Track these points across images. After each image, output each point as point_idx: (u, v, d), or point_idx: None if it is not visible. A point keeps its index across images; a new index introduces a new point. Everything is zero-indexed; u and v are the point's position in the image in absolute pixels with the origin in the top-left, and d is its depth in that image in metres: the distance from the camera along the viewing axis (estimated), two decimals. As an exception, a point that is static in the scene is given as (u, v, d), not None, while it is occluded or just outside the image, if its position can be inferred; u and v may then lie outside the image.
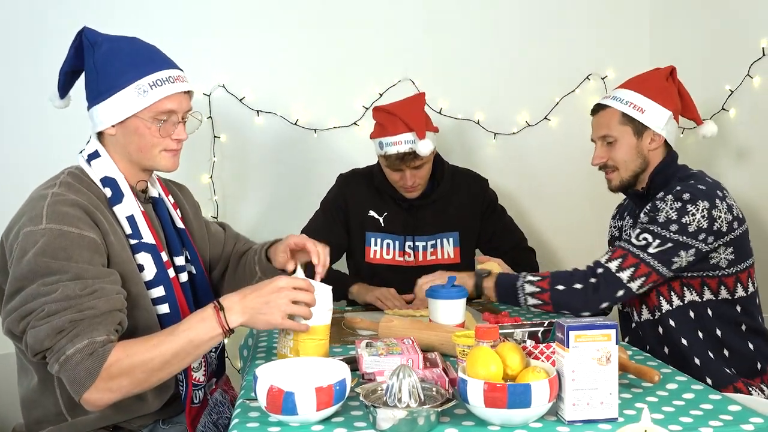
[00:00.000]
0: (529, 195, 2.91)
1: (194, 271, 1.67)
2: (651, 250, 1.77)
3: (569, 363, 1.24)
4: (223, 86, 2.69)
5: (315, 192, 2.50)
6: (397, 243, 2.33)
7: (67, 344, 1.29)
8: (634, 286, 1.78)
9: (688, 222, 1.76)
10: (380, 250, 2.34)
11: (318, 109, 2.76)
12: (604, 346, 1.24)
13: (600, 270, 1.80)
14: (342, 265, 2.47)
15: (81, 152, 1.56)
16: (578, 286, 1.80)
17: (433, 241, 2.34)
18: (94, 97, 1.51)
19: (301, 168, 2.78)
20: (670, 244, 1.77)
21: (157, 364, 1.32)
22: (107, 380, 1.29)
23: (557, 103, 2.87)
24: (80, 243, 1.37)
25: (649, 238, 1.78)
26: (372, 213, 2.35)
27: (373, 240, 2.34)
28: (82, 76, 1.58)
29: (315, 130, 2.76)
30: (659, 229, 1.79)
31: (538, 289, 1.83)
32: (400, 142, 2.16)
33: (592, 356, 1.24)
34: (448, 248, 2.34)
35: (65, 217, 1.38)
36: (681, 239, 1.76)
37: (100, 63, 1.49)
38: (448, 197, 2.35)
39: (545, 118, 2.87)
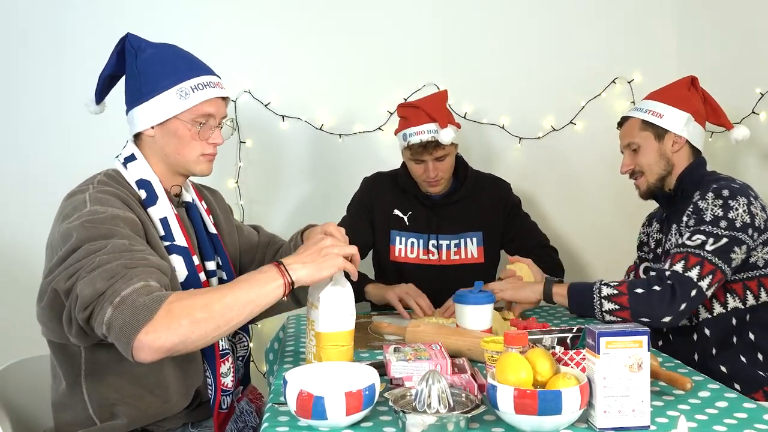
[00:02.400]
0: (555, 199, 2.89)
1: (225, 278, 1.66)
2: (708, 247, 1.77)
3: (600, 370, 1.22)
4: (249, 92, 2.71)
5: (340, 197, 2.51)
6: (421, 241, 2.36)
7: (122, 285, 1.25)
8: (703, 284, 1.76)
9: (734, 217, 1.79)
10: (405, 248, 2.37)
11: (343, 114, 2.77)
12: (635, 352, 1.23)
13: (668, 273, 1.78)
14: (367, 265, 2.48)
15: (117, 156, 1.58)
16: (657, 288, 1.76)
17: (457, 240, 2.37)
18: (135, 100, 1.54)
19: (326, 173, 2.79)
20: (725, 240, 1.78)
21: (217, 308, 1.28)
22: (166, 318, 1.24)
23: (583, 107, 2.85)
24: (124, 219, 1.39)
25: (703, 237, 1.79)
26: (397, 212, 2.39)
27: (398, 239, 2.38)
28: (120, 82, 1.61)
29: (340, 135, 2.77)
30: (710, 227, 1.80)
31: (615, 292, 1.80)
32: (423, 132, 2.22)
33: (623, 363, 1.23)
34: (471, 248, 2.36)
35: (108, 201, 1.41)
36: (733, 234, 1.78)
37: (142, 67, 1.53)
38: (471, 198, 2.38)
39: (571, 122, 2.85)
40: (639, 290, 1.77)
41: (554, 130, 2.85)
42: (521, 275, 2.06)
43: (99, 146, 2.39)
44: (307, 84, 2.75)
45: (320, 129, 2.75)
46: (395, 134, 2.36)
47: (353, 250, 1.47)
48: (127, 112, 1.57)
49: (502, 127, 2.83)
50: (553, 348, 1.47)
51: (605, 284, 1.82)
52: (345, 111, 2.77)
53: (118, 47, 1.57)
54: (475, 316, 1.72)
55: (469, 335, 1.66)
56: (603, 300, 1.80)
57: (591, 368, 1.25)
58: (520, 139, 2.84)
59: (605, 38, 2.86)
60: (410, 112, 2.29)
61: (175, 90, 1.51)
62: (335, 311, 1.47)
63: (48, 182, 2.56)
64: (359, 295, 2.21)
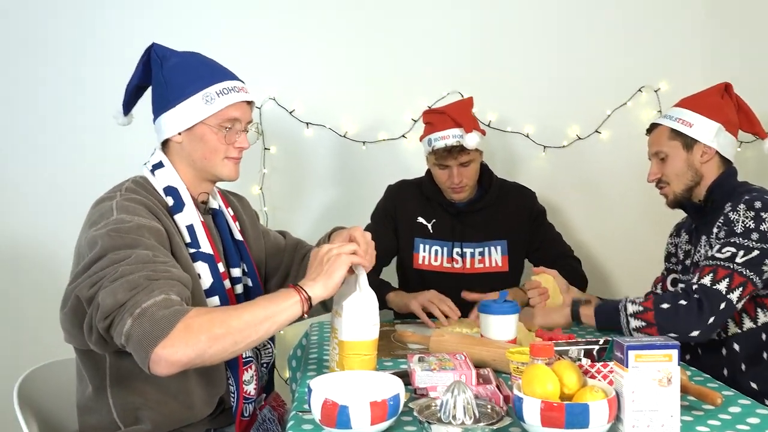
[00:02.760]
0: (579, 209, 2.87)
1: (250, 284, 1.67)
2: (738, 260, 1.74)
3: (629, 383, 1.21)
4: (274, 99, 2.72)
5: (364, 204, 2.51)
6: (445, 249, 2.35)
7: (143, 297, 1.25)
8: (733, 297, 1.72)
9: (766, 229, 1.75)
10: (428, 256, 2.36)
11: (367, 122, 2.77)
12: (665, 366, 1.21)
13: (695, 287, 1.76)
14: (391, 273, 2.48)
15: (145, 163, 1.59)
16: (683, 302, 1.74)
17: (481, 249, 2.36)
18: (162, 107, 1.56)
19: (350, 180, 2.79)
20: (756, 252, 1.74)
21: (235, 324, 1.28)
22: (185, 332, 1.23)
23: (609, 116, 2.82)
24: (150, 228, 1.40)
25: (733, 249, 1.76)
26: (420, 219, 2.39)
27: (421, 246, 2.37)
28: (147, 93, 1.63)
29: (364, 142, 2.77)
30: (741, 239, 1.77)
31: (641, 309, 1.78)
32: (448, 137, 2.23)
33: (652, 377, 1.21)
34: (495, 256, 2.35)
35: (135, 210, 1.42)
36: (765, 247, 1.75)
37: (167, 75, 1.55)
38: (496, 206, 2.37)
39: (596, 131, 2.82)
40: (665, 305, 1.75)
41: (579, 138, 2.83)
42: (546, 286, 2.04)
43: (126, 152, 2.40)
44: (331, 91, 2.75)
45: (344, 136, 2.76)
46: (420, 140, 2.37)
47: (352, 246, 1.46)
48: (155, 120, 1.58)
49: (527, 136, 2.82)
50: (580, 360, 1.45)
51: (631, 301, 1.81)
52: (369, 118, 2.77)
53: (144, 57, 1.59)
54: (499, 326, 1.71)
55: (493, 345, 1.65)
56: (630, 318, 1.78)
57: (619, 382, 1.23)
58: (545, 147, 2.82)
59: (631, 46, 2.83)
60: (436, 118, 2.30)
61: (201, 95, 1.52)
62: (359, 320, 1.46)
63: (76, 186, 2.60)
64: (381, 303, 2.21)
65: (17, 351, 2.57)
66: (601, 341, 1.59)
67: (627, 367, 1.21)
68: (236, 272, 1.64)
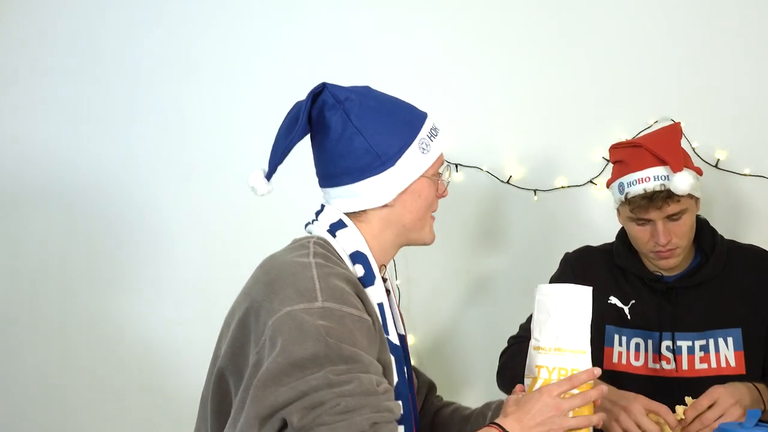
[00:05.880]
0: None
1: (406, 393, 1.50)
2: None
3: None
4: (415, 134, 2.38)
5: (536, 273, 2.11)
6: (650, 343, 2.00)
7: None
8: None
9: None
10: (626, 352, 2.02)
11: (539, 163, 2.42)
12: None
13: None
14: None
15: (312, 221, 1.46)
16: None
17: (703, 341, 1.98)
18: (369, 167, 1.39)
19: (515, 241, 2.44)
20: None
21: None
22: None
23: None
24: (361, 328, 1.31)
25: None
26: (613, 300, 2.03)
27: (616, 337, 2.02)
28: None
29: (535, 190, 2.39)
30: None
31: None
32: (648, 178, 1.90)
33: None
34: (725, 352, 1.96)
35: (342, 294, 1.31)
36: None
37: (363, 125, 1.39)
38: (723, 279, 1.99)
39: None
40: None
41: None
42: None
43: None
44: (494, 124, 2.44)
45: (507, 182, 2.40)
46: (608, 186, 2.03)
47: (581, 401, 1.30)
48: (346, 182, 1.41)
49: (775, 180, 2.32)
50: None
51: None
52: (541, 159, 2.42)
53: (308, 103, 1.41)
54: (750, 462, 1.32)
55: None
56: None
57: None
58: (805, 197, 2.30)
59: None
60: (629, 154, 1.96)
61: (417, 144, 1.42)
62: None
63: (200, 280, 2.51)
64: None
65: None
66: None
67: None
68: None
